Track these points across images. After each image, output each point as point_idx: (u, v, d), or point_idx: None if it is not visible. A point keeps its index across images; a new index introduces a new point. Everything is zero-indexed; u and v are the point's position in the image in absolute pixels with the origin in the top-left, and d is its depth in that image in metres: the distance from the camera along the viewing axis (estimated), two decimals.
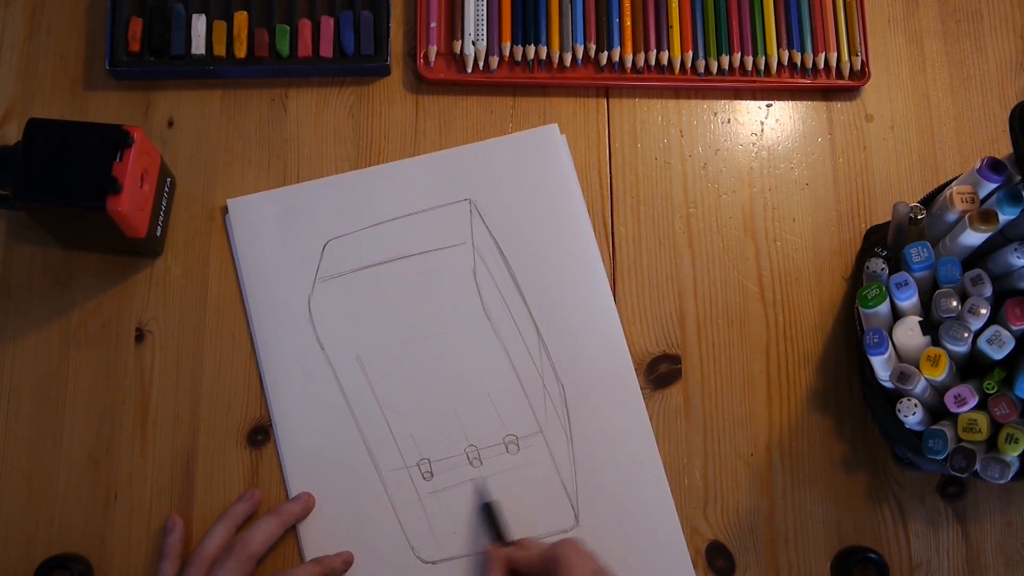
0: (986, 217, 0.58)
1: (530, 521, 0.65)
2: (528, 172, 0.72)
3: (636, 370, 0.69)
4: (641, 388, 0.69)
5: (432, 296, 0.69)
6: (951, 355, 0.58)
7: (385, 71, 0.74)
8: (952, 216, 0.61)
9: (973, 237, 0.59)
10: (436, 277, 0.69)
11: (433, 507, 0.65)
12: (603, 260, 0.71)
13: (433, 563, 0.64)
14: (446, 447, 0.66)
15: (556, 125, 0.73)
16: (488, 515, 0.65)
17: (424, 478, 0.66)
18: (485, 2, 0.75)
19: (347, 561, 0.64)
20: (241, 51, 0.72)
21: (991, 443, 0.58)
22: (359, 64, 0.73)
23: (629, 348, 0.70)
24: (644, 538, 0.66)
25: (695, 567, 0.66)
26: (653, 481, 0.67)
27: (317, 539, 0.64)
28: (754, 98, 0.76)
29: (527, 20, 0.75)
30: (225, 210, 0.71)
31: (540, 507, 0.66)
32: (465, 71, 0.74)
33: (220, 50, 0.72)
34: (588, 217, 0.71)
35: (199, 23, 0.72)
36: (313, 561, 0.63)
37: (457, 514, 0.65)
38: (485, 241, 0.70)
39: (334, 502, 0.65)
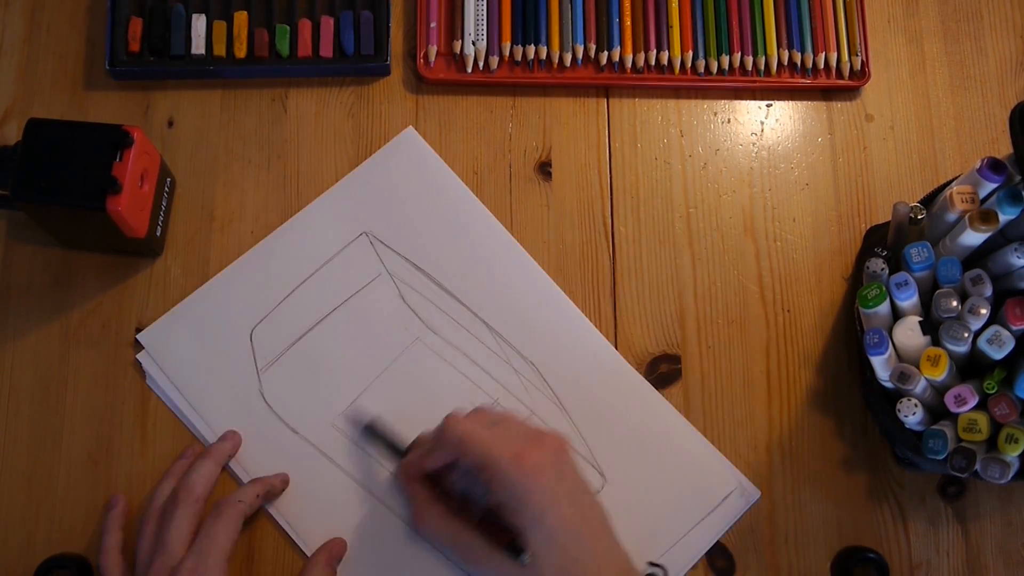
0: (986, 217, 0.58)
1: None
2: (403, 182, 0.71)
3: (636, 370, 0.69)
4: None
5: (374, 336, 0.68)
6: (951, 355, 0.58)
7: (385, 71, 0.74)
8: (952, 216, 0.61)
9: (973, 237, 0.59)
10: (369, 317, 0.68)
11: None
12: (603, 260, 0.71)
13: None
14: None
15: (411, 127, 0.73)
16: (374, 435, 0.64)
17: None
18: (485, 2, 0.75)
19: (285, 480, 0.64)
20: (241, 51, 0.72)
21: (991, 443, 0.58)
22: (359, 64, 0.73)
23: (629, 348, 0.70)
24: (675, 461, 0.66)
25: (695, 567, 0.66)
26: (659, 412, 0.68)
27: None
28: (754, 98, 0.76)
29: (527, 20, 0.75)
30: (137, 347, 0.68)
31: None
32: (465, 71, 0.74)
33: (220, 50, 0.72)
34: (475, 197, 0.71)
35: (199, 23, 0.72)
36: (254, 481, 0.63)
37: None
38: (398, 264, 0.69)
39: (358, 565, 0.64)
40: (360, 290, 0.69)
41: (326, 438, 0.66)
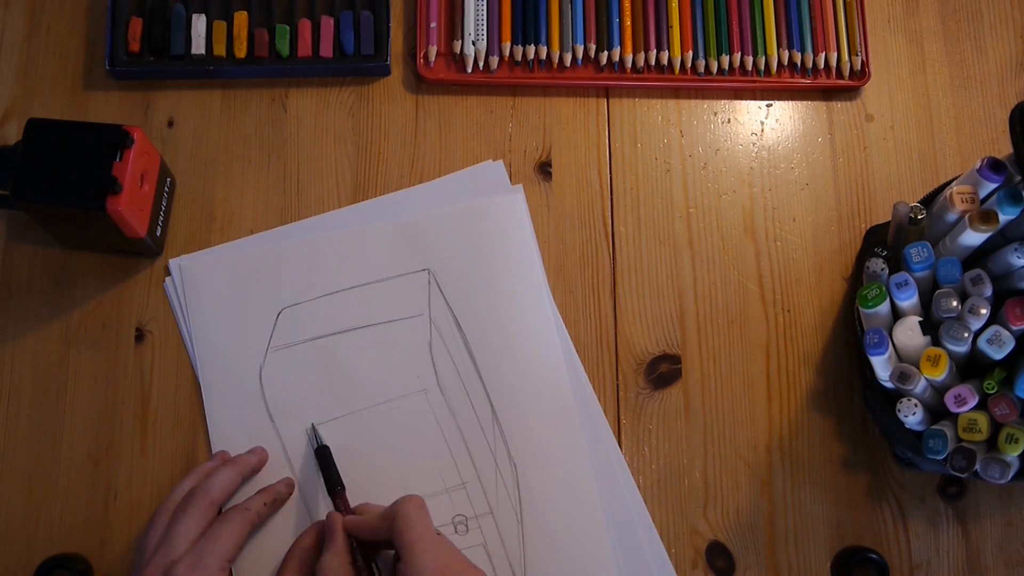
0: (986, 217, 0.58)
1: None
2: (489, 243, 0.70)
3: (636, 370, 0.69)
4: (641, 388, 0.69)
5: (387, 368, 0.67)
6: (951, 355, 0.58)
7: (385, 71, 0.74)
8: (952, 216, 0.61)
9: (973, 237, 0.59)
10: (391, 349, 0.67)
11: None
12: (603, 260, 0.71)
13: None
14: None
15: (520, 188, 0.72)
16: (320, 460, 0.64)
17: None
18: (485, 2, 0.75)
19: (290, 485, 0.64)
20: (241, 51, 0.72)
21: (991, 443, 0.58)
22: (359, 64, 0.73)
23: (629, 348, 0.70)
24: None
25: (695, 567, 0.66)
26: (603, 568, 0.64)
27: None
28: (754, 98, 0.76)
29: (527, 20, 0.75)
30: (167, 271, 0.69)
31: None
32: (465, 71, 0.74)
33: (220, 50, 0.72)
34: (547, 289, 0.70)
35: (199, 23, 0.72)
36: (261, 490, 0.63)
37: None
38: (442, 313, 0.68)
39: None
40: (396, 320, 0.68)
41: (295, 439, 0.65)
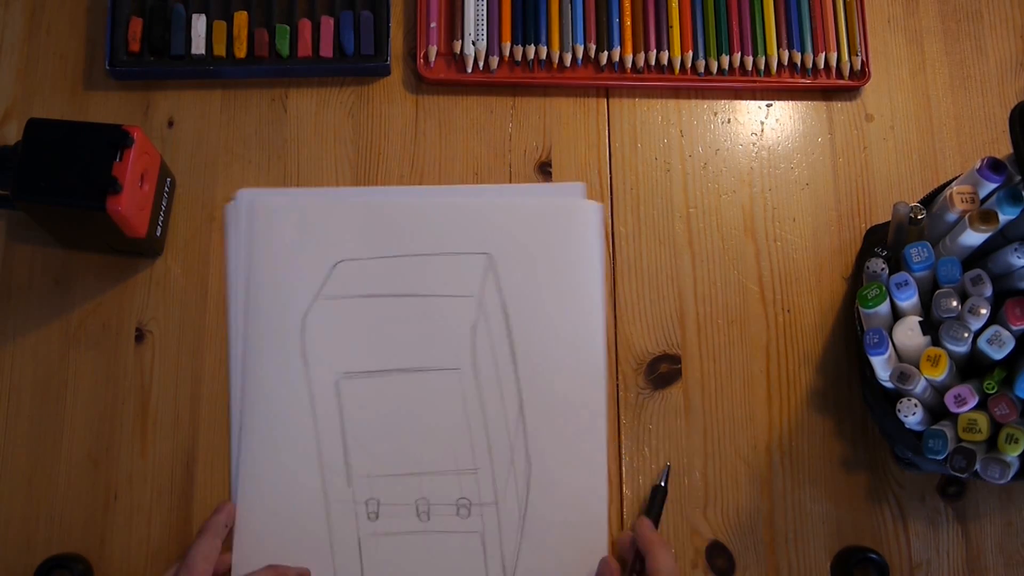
0: (986, 217, 0.58)
1: None
2: (556, 239, 0.70)
3: (636, 370, 0.69)
4: (641, 388, 0.69)
5: (426, 340, 0.67)
6: (951, 355, 0.58)
7: (385, 71, 0.74)
8: (952, 216, 0.61)
9: (973, 237, 0.59)
10: (435, 323, 0.67)
11: (369, 549, 0.64)
12: (603, 260, 0.71)
13: None
14: (399, 493, 0.65)
15: (597, 204, 0.72)
16: (653, 497, 0.66)
17: (369, 517, 0.64)
18: (485, 2, 0.75)
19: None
20: (241, 51, 0.72)
21: (991, 443, 0.58)
22: (359, 64, 0.73)
23: (629, 348, 0.70)
24: None
25: (695, 567, 0.66)
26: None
27: (250, 555, 0.63)
28: (754, 98, 0.76)
29: (527, 20, 0.75)
30: (232, 198, 0.71)
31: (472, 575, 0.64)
32: (465, 71, 0.74)
33: (220, 50, 0.72)
34: (603, 296, 0.70)
35: (199, 23, 0.72)
36: (270, 567, 0.62)
37: (391, 562, 0.64)
38: (493, 299, 0.68)
39: (275, 517, 0.64)
40: (447, 296, 0.68)
41: (323, 387, 0.66)
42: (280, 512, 0.64)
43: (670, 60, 0.75)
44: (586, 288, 0.70)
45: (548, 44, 0.74)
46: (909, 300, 0.60)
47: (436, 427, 0.66)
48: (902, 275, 0.60)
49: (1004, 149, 0.59)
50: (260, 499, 0.65)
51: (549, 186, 0.72)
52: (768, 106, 0.76)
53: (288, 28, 0.73)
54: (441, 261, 0.69)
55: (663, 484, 0.67)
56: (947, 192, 0.61)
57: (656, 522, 0.65)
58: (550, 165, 0.73)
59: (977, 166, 0.59)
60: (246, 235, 0.69)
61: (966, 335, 0.57)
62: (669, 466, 0.67)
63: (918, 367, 0.58)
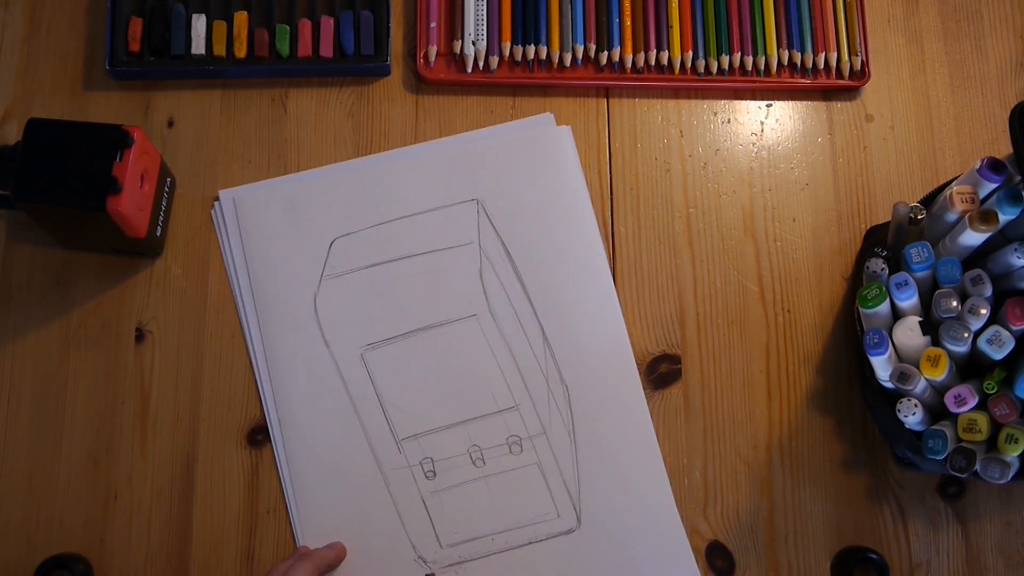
0: (986, 217, 0.58)
1: (532, 522, 0.65)
2: (536, 170, 0.72)
3: (636, 370, 0.69)
4: (641, 388, 0.69)
5: (438, 295, 0.69)
6: (951, 355, 0.58)
7: (385, 71, 0.74)
8: (952, 216, 0.61)
9: (973, 237, 0.59)
10: (442, 276, 0.69)
11: (435, 506, 0.66)
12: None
13: (434, 562, 0.64)
14: (449, 446, 0.66)
15: (568, 127, 0.73)
16: None
17: (427, 477, 0.66)
18: (485, 2, 0.75)
19: (339, 554, 0.64)
20: (241, 51, 0.72)
21: (991, 443, 0.58)
22: (359, 64, 0.73)
23: (631, 349, 0.70)
24: (646, 541, 0.66)
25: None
26: (656, 484, 0.67)
27: (318, 538, 0.64)
28: (754, 98, 0.76)
29: (527, 20, 0.75)
30: (215, 199, 0.71)
31: (542, 509, 0.66)
32: (465, 71, 0.74)
33: (220, 50, 0.72)
34: (593, 214, 0.71)
35: (199, 23, 0.72)
36: (302, 556, 0.61)
37: (459, 514, 0.65)
38: (492, 241, 0.70)
39: (337, 500, 0.65)
40: (447, 248, 0.69)
41: (351, 363, 0.67)
42: (340, 496, 0.65)
43: (670, 60, 0.75)
44: (576, 208, 0.71)
45: (548, 44, 0.74)
46: (909, 300, 0.60)
47: (468, 375, 0.67)
48: (902, 275, 0.60)
49: (1004, 149, 0.59)
50: (317, 489, 0.65)
51: (518, 122, 0.73)
52: (768, 106, 0.76)
53: (288, 28, 0.73)
54: (433, 217, 0.70)
55: None
56: (947, 192, 0.61)
57: None
58: None
59: (977, 166, 0.59)
60: (236, 234, 0.70)
61: (966, 335, 0.57)
62: None
63: (918, 367, 0.58)
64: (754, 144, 0.75)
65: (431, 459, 0.66)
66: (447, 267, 0.69)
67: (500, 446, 0.66)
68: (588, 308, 0.69)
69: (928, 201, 0.65)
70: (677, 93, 0.76)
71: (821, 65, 0.76)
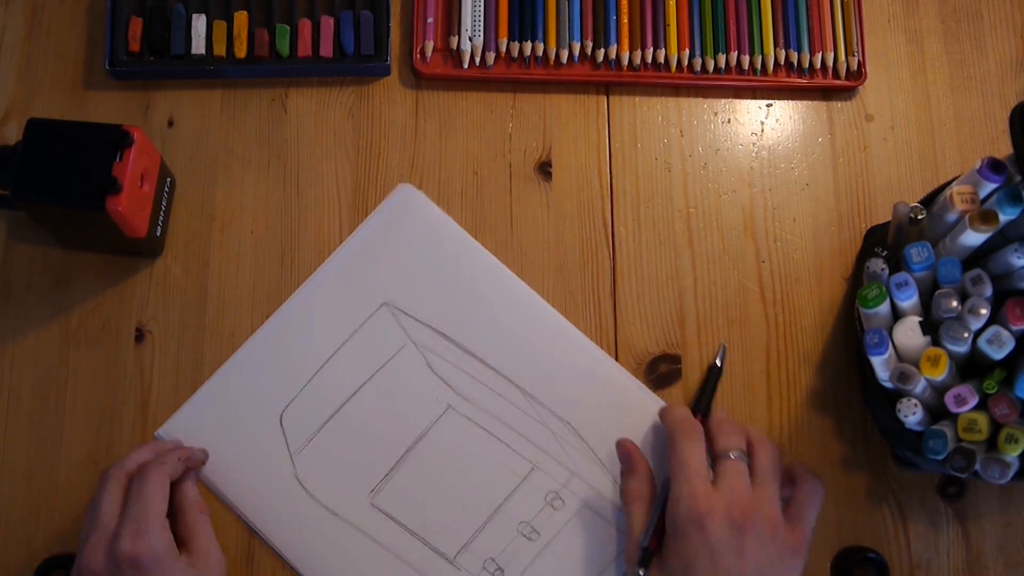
0: (986, 217, 0.58)
1: (612, 559, 0.64)
2: (410, 242, 0.69)
3: (636, 370, 0.69)
4: (632, 377, 0.69)
5: (405, 409, 0.66)
6: (951, 355, 0.58)
7: (385, 71, 0.74)
8: (952, 216, 0.61)
9: (973, 237, 0.59)
10: (398, 390, 0.67)
11: None
12: (603, 260, 0.71)
13: None
14: (500, 537, 0.65)
15: (406, 184, 0.71)
16: (707, 378, 0.68)
17: (496, 575, 0.64)
18: None
19: (205, 452, 0.64)
20: (241, 51, 0.72)
21: (991, 443, 0.58)
22: (359, 64, 0.73)
23: (629, 348, 0.70)
24: None
25: None
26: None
27: None
28: (754, 98, 0.76)
29: (524, 16, 0.75)
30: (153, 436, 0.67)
31: (610, 542, 0.65)
32: (461, 66, 0.74)
33: (220, 50, 0.72)
34: (478, 245, 0.70)
35: (199, 23, 0.72)
36: (175, 448, 0.63)
37: None
38: (421, 332, 0.68)
39: None
40: (387, 363, 0.67)
41: (366, 517, 0.65)
42: None
43: (667, 58, 0.75)
44: (472, 256, 0.70)
45: (545, 40, 0.74)
46: (909, 300, 0.60)
47: (477, 463, 0.66)
48: (902, 275, 0.60)
49: (1004, 149, 0.59)
50: None
51: (379, 208, 0.71)
52: (768, 106, 0.76)
53: (288, 28, 0.73)
54: (356, 341, 0.68)
55: (719, 364, 0.67)
56: (947, 192, 0.61)
57: (709, 406, 0.67)
58: (550, 165, 0.73)
59: (977, 166, 0.59)
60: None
61: (966, 335, 0.57)
62: (724, 346, 0.68)
63: (918, 367, 0.58)
64: (754, 144, 0.75)
65: (492, 559, 0.64)
66: (397, 379, 0.67)
67: (543, 509, 0.65)
68: (542, 340, 0.68)
69: (928, 201, 0.65)
70: (677, 92, 0.76)
71: (818, 65, 0.76)
